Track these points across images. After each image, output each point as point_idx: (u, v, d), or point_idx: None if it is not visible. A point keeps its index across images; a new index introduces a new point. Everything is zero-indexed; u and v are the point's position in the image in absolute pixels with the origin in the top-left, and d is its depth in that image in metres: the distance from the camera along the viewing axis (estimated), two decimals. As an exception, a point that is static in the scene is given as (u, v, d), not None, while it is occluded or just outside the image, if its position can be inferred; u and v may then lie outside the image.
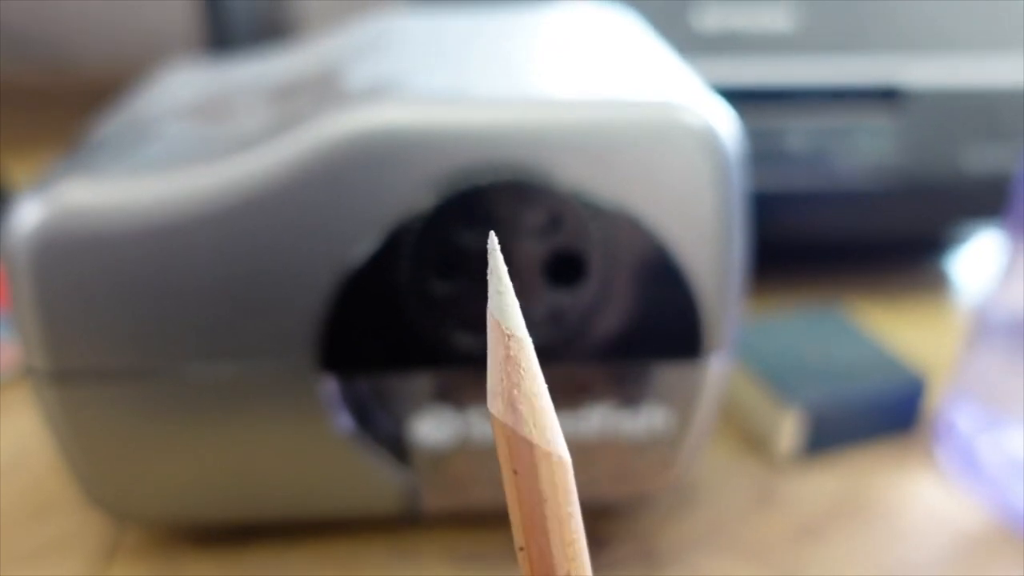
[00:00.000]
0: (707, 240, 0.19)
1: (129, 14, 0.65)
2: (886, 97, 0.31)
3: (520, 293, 0.18)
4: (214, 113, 0.21)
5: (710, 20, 0.31)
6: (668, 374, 0.20)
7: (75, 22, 0.65)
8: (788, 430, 0.25)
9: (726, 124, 0.19)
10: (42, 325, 0.18)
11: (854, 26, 0.32)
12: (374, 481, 0.21)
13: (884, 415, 0.26)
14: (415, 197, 0.17)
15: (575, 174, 0.18)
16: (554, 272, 0.18)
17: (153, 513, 0.21)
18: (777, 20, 0.31)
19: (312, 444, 0.20)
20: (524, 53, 0.22)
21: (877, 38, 0.32)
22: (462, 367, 0.19)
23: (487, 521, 0.23)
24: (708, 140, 0.18)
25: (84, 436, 0.19)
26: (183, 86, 0.25)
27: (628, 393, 0.20)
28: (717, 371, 0.20)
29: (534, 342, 0.19)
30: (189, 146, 0.19)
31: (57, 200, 0.17)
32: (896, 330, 0.33)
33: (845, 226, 0.34)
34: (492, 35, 0.24)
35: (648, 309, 0.19)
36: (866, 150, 0.31)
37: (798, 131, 0.31)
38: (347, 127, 0.17)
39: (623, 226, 0.18)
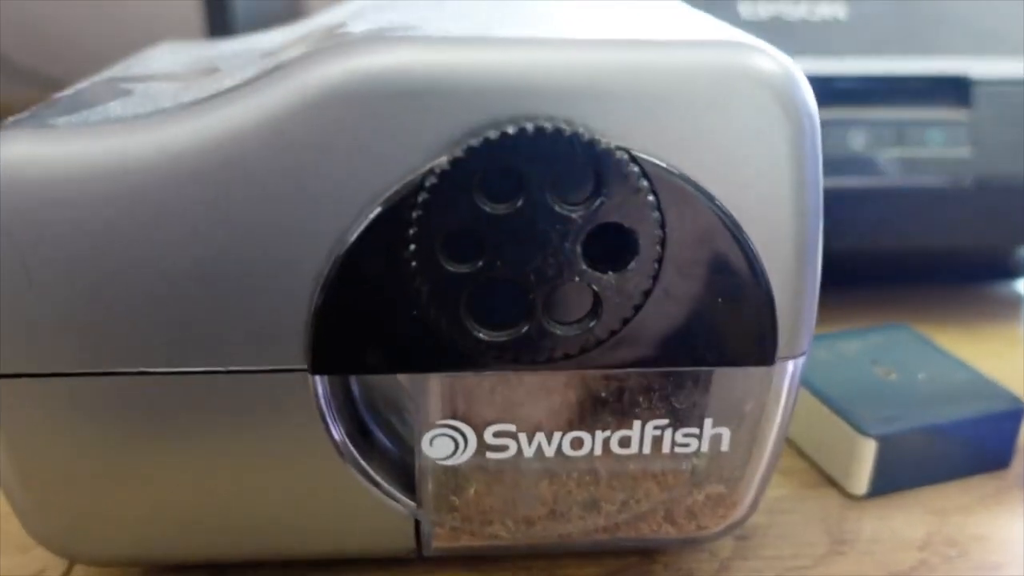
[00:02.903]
0: (783, 217, 0.15)
1: (134, 13, 0.65)
2: (955, 87, 0.29)
3: (555, 277, 0.15)
4: (195, 74, 0.19)
5: (761, 9, 0.30)
6: (734, 386, 0.17)
7: (76, 37, 0.65)
8: (865, 464, 0.22)
9: (803, 75, 0.15)
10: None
11: (911, 16, 0.30)
12: (373, 514, 0.18)
13: (976, 448, 0.23)
14: (425, 157, 0.14)
15: (621, 129, 0.15)
16: (595, 250, 0.15)
17: (108, 553, 0.18)
18: (833, 9, 0.29)
19: (300, 466, 0.17)
20: (552, 8, 0.19)
21: (941, 29, 0.30)
22: (480, 370, 0.16)
23: (499, 561, 0.20)
24: (787, 90, 0.15)
25: (21, 459, 0.16)
26: (170, 55, 0.22)
27: (684, 409, 0.17)
28: (791, 384, 0.17)
29: (569, 338, 0.16)
30: (159, 102, 0.16)
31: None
32: (966, 356, 0.30)
33: (910, 231, 0.31)
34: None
35: (710, 302, 0.16)
36: (930, 146, 0.29)
37: (858, 125, 0.29)
38: (342, 70, 0.14)
39: (680, 196, 0.15)
